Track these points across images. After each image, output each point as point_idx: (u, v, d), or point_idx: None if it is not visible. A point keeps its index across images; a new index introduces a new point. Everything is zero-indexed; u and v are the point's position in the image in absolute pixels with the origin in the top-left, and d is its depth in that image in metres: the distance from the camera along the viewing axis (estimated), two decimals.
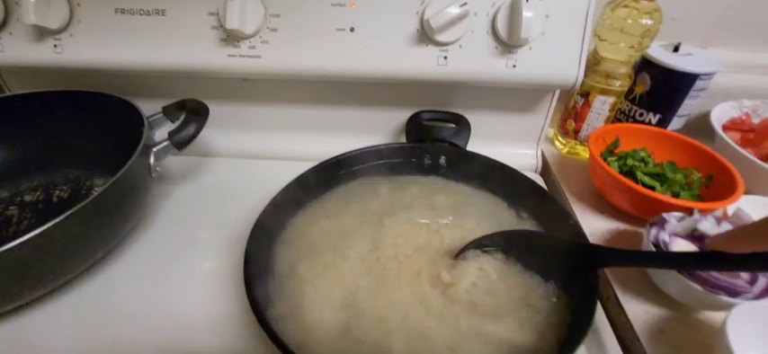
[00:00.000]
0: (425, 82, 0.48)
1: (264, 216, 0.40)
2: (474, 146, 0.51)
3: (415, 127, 0.53)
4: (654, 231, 0.38)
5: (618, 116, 0.59)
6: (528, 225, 0.43)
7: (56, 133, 0.52)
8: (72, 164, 0.53)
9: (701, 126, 0.58)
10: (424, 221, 0.42)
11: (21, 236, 0.32)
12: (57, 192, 0.52)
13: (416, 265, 0.38)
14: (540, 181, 0.55)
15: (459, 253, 0.39)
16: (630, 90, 0.55)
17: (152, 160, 0.44)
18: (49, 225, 0.33)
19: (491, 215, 0.44)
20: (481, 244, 0.39)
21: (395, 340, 0.33)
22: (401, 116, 0.55)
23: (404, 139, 0.54)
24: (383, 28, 0.46)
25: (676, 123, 0.55)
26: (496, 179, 0.47)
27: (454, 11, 0.43)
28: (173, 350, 0.35)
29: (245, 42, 0.46)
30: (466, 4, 0.43)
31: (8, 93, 0.56)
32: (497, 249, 0.39)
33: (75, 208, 0.35)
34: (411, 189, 0.47)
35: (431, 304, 0.35)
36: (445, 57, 0.46)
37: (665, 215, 0.39)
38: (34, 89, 0.51)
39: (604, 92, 0.53)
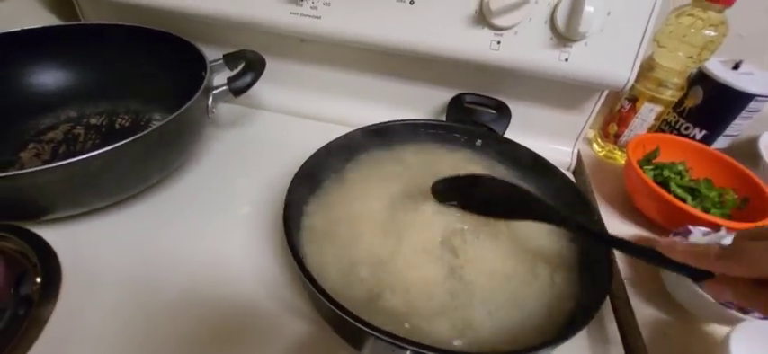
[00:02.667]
0: (475, 64, 0.49)
1: (305, 169, 0.42)
2: (511, 134, 0.52)
3: (456, 107, 0.55)
4: (676, 239, 0.38)
5: (662, 127, 0.58)
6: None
7: (123, 65, 0.56)
8: (134, 97, 0.57)
9: (747, 149, 0.56)
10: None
11: (87, 152, 0.36)
12: (119, 120, 0.56)
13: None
14: (571, 179, 0.55)
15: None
16: (680, 102, 0.54)
17: (210, 102, 0.47)
18: (121, 143, 0.37)
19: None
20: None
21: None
22: (444, 95, 0.56)
23: (444, 118, 0.55)
24: (442, 4, 0.47)
25: (721, 142, 0.54)
26: (528, 167, 0.48)
27: None
28: (210, 273, 0.39)
29: (308, 2, 0.48)
30: None
31: (83, 21, 0.61)
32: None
33: (143, 133, 0.38)
34: (441, 158, 0.50)
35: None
36: (498, 42, 0.47)
37: (690, 226, 0.39)
38: (108, 20, 0.54)
39: (653, 99, 0.52)
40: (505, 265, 0.39)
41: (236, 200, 0.47)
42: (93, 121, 0.55)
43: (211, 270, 0.39)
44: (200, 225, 0.44)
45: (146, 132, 0.39)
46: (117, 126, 0.55)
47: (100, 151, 0.36)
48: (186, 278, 0.39)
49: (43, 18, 0.59)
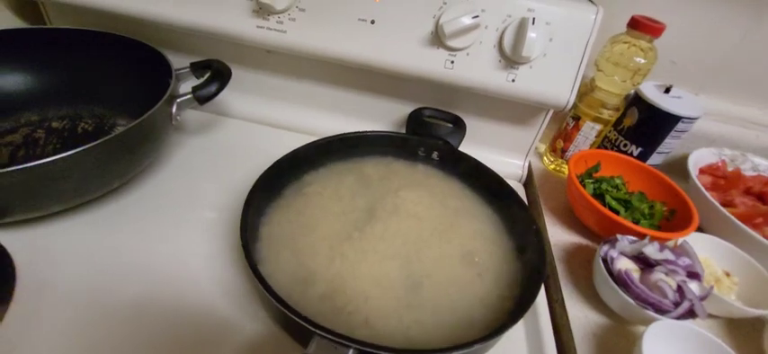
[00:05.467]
0: (431, 81, 0.52)
1: (263, 179, 0.44)
2: (467, 148, 0.55)
3: (415, 121, 0.58)
4: (605, 247, 0.42)
5: (604, 143, 0.63)
6: (495, 222, 0.49)
7: (88, 70, 0.56)
8: (98, 102, 0.57)
9: (679, 166, 0.62)
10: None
11: (47, 157, 0.36)
12: (82, 124, 0.56)
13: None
14: (521, 190, 0.59)
15: None
16: (619, 121, 0.59)
17: (174, 109, 0.48)
18: (84, 147, 0.38)
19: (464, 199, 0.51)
20: None
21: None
22: (405, 109, 0.59)
23: (404, 130, 0.58)
24: (401, 25, 0.50)
25: (656, 159, 0.59)
26: (478, 177, 0.52)
27: (466, 21, 0.46)
28: (167, 276, 0.40)
29: (275, 16, 0.50)
30: (478, 17, 0.46)
31: (50, 26, 0.61)
32: None
33: (104, 139, 0.39)
34: (399, 170, 0.53)
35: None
36: (452, 62, 0.51)
37: (619, 236, 0.43)
38: (74, 25, 0.55)
39: (595, 119, 0.57)
40: (455, 269, 0.42)
41: (198, 206, 0.48)
42: (54, 125, 0.55)
43: (169, 277, 0.40)
44: (159, 231, 0.45)
45: (107, 137, 0.40)
46: (80, 130, 0.55)
47: (62, 155, 0.37)
48: (143, 284, 0.39)
49: (8, 21, 0.59)
